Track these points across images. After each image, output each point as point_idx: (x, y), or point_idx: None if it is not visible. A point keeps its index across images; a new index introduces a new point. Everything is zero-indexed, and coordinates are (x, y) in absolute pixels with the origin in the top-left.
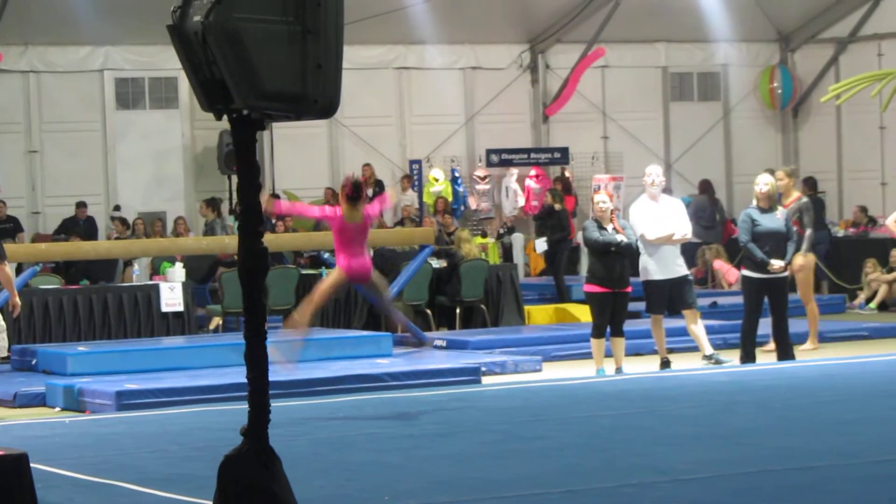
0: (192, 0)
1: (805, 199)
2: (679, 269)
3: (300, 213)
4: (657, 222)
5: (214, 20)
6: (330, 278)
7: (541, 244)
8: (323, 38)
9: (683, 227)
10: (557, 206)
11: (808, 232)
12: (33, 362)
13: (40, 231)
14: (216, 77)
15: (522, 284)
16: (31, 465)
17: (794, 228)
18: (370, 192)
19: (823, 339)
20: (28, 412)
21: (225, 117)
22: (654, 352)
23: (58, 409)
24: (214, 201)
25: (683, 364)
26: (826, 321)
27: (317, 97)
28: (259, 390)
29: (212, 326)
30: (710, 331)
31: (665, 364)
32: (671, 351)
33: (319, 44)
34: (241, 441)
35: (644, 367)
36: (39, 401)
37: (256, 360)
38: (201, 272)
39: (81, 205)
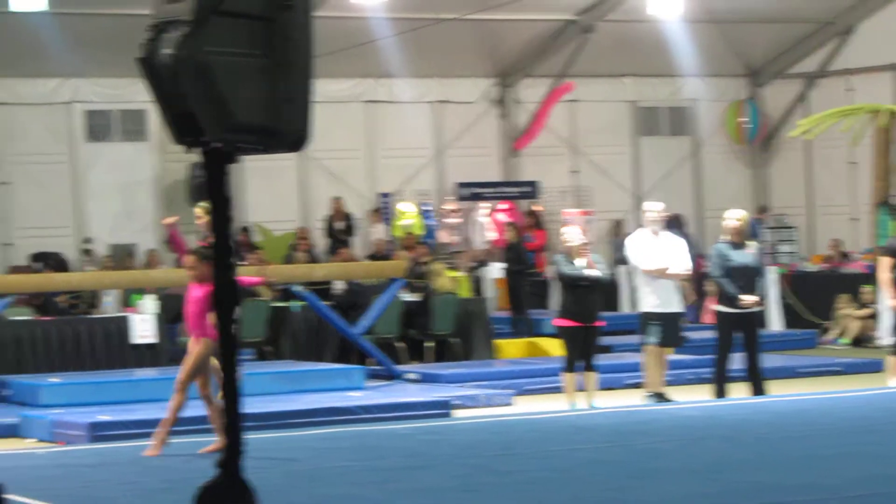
0: (162, 33)
1: None
2: (675, 305)
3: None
4: (654, 256)
5: (184, 53)
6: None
7: (496, 271)
8: (293, 71)
9: (682, 264)
10: (513, 239)
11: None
12: (6, 394)
13: (11, 263)
14: (186, 110)
15: (493, 318)
16: (6, 496)
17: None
18: (342, 225)
19: (796, 373)
20: (1, 443)
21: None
22: (628, 385)
23: (31, 440)
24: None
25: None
26: (799, 356)
27: (287, 130)
28: (233, 422)
29: None
30: (681, 365)
31: (660, 397)
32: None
33: (290, 77)
34: (216, 473)
35: (616, 402)
36: (13, 432)
37: (230, 391)
38: (173, 312)
39: (43, 255)
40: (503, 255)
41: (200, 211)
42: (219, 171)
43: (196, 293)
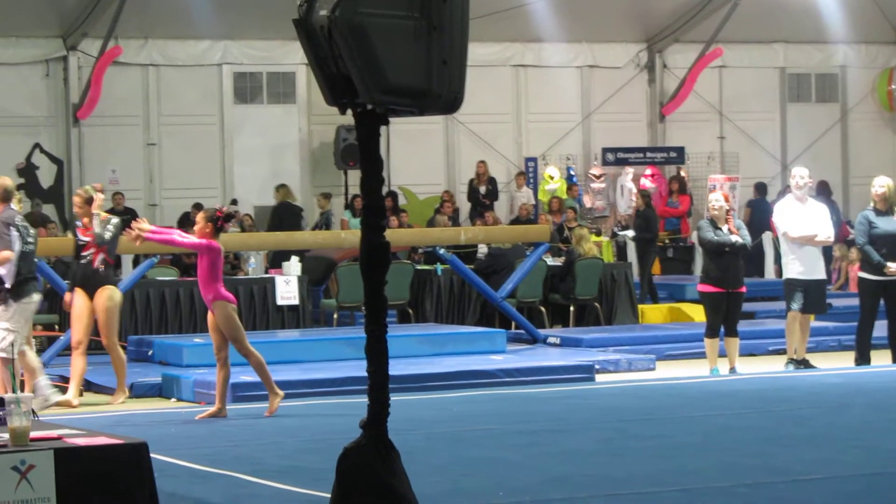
0: None
1: None
2: (819, 272)
3: (170, 242)
4: (801, 223)
5: (340, 14)
6: (234, 314)
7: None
8: (448, 33)
9: (826, 231)
10: (642, 206)
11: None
12: (150, 353)
13: (157, 223)
14: (341, 71)
15: (636, 283)
16: (150, 455)
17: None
18: (483, 189)
19: None
20: (144, 402)
21: (348, 112)
22: (770, 352)
23: (174, 399)
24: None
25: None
26: None
27: (441, 92)
28: (379, 384)
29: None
30: (824, 332)
31: (802, 364)
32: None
33: (444, 40)
34: (361, 434)
35: (758, 368)
36: (156, 391)
37: (377, 353)
38: (317, 274)
39: (197, 206)
40: (633, 221)
41: (78, 199)
42: (371, 132)
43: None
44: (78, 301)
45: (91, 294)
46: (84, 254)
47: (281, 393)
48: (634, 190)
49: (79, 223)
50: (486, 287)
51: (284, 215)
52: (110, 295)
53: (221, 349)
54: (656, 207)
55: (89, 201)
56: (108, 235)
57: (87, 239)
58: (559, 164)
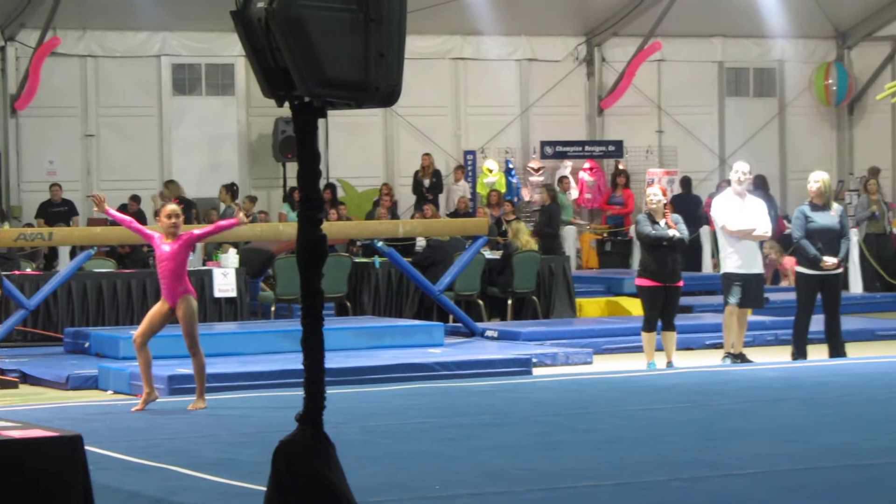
0: None
1: None
2: (757, 266)
3: (132, 228)
4: (739, 217)
5: (278, 6)
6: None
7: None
8: (386, 26)
9: (764, 225)
10: (547, 201)
11: None
12: (86, 345)
13: (95, 215)
14: (279, 64)
15: (574, 277)
16: (84, 447)
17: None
18: (427, 182)
19: (876, 336)
20: (80, 395)
21: (286, 104)
22: (708, 346)
23: (110, 392)
24: (233, 187)
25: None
26: (879, 318)
27: (379, 85)
28: (315, 377)
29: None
30: (761, 327)
31: (739, 358)
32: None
33: (382, 32)
34: (296, 427)
35: (695, 362)
36: (92, 384)
37: (312, 346)
38: (255, 266)
39: (135, 198)
40: (538, 216)
41: None
42: (308, 125)
43: (171, 248)
44: None
45: None
46: None
47: (205, 404)
48: (573, 183)
49: None
50: (424, 280)
51: None
52: None
53: (145, 335)
54: (595, 201)
55: None
56: None
57: None
58: (498, 157)
